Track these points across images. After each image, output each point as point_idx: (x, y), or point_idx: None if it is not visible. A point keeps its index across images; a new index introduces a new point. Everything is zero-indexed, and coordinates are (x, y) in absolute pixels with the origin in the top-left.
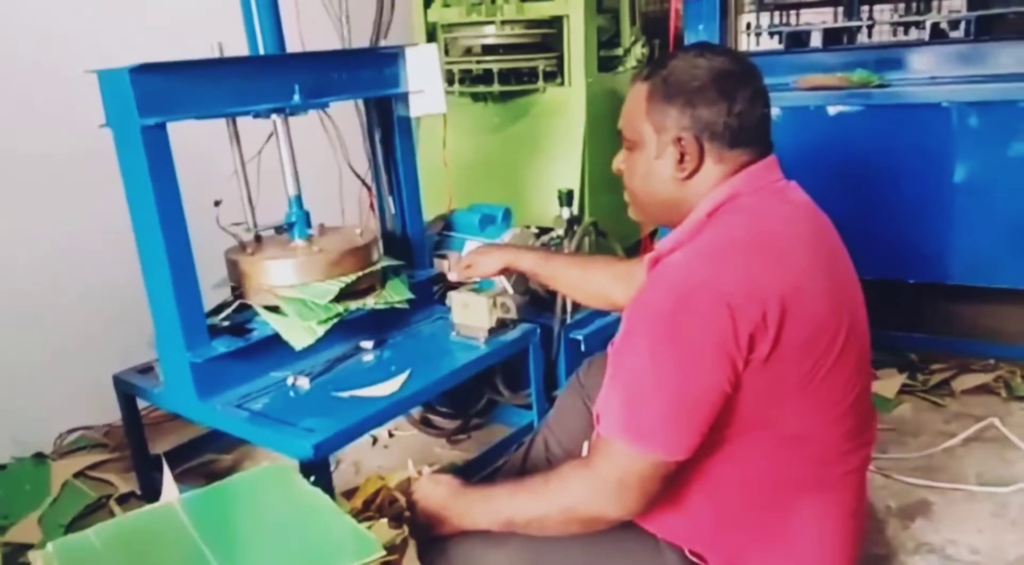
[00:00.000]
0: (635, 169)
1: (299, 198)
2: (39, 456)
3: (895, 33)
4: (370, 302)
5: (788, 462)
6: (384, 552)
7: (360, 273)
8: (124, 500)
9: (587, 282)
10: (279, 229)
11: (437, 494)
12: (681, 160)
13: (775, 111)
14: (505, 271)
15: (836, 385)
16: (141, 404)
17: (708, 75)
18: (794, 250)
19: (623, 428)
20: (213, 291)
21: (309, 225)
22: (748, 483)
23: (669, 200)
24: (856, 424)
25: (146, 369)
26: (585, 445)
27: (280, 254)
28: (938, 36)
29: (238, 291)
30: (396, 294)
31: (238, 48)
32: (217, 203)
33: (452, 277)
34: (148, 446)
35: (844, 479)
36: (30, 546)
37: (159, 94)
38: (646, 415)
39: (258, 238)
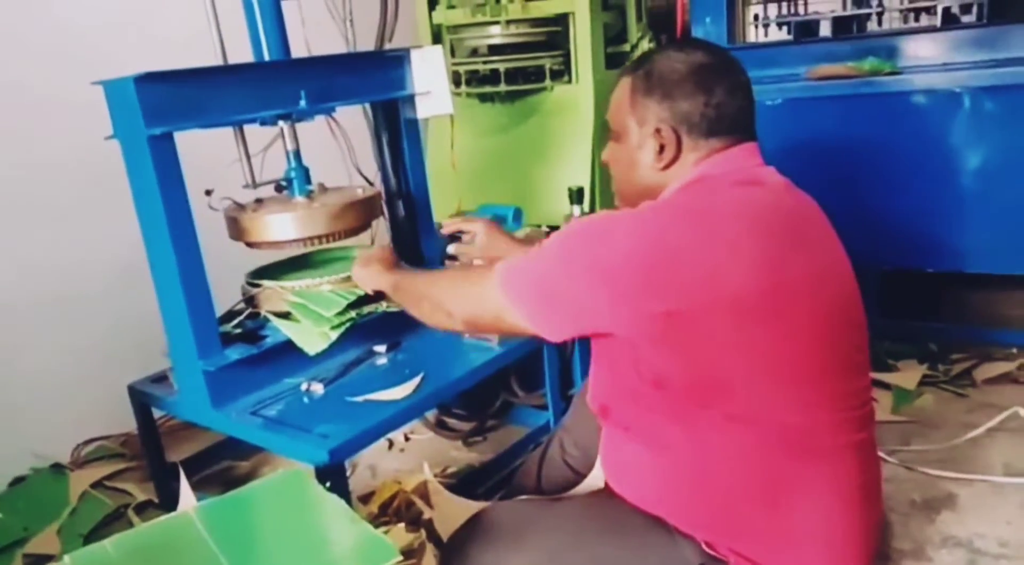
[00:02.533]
0: (620, 159)
1: (297, 153)
2: (57, 467)
3: (905, 20)
4: (383, 305)
5: (764, 437)
6: (401, 557)
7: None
8: (142, 509)
9: None
10: (279, 188)
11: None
12: (661, 150)
13: (785, 102)
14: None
15: (788, 359)
16: (157, 413)
17: (686, 69)
18: (728, 226)
19: (506, 267)
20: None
21: (309, 181)
22: (732, 462)
23: (649, 188)
24: (832, 398)
25: (160, 378)
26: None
27: (280, 209)
28: (950, 21)
29: (250, 298)
30: None
31: (243, 55)
32: (208, 192)
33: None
34: (165, 455)
35: (839, 453)
36: (50, 557)
37: (165, 103)
38: (527, 275)
39: (258, 201)
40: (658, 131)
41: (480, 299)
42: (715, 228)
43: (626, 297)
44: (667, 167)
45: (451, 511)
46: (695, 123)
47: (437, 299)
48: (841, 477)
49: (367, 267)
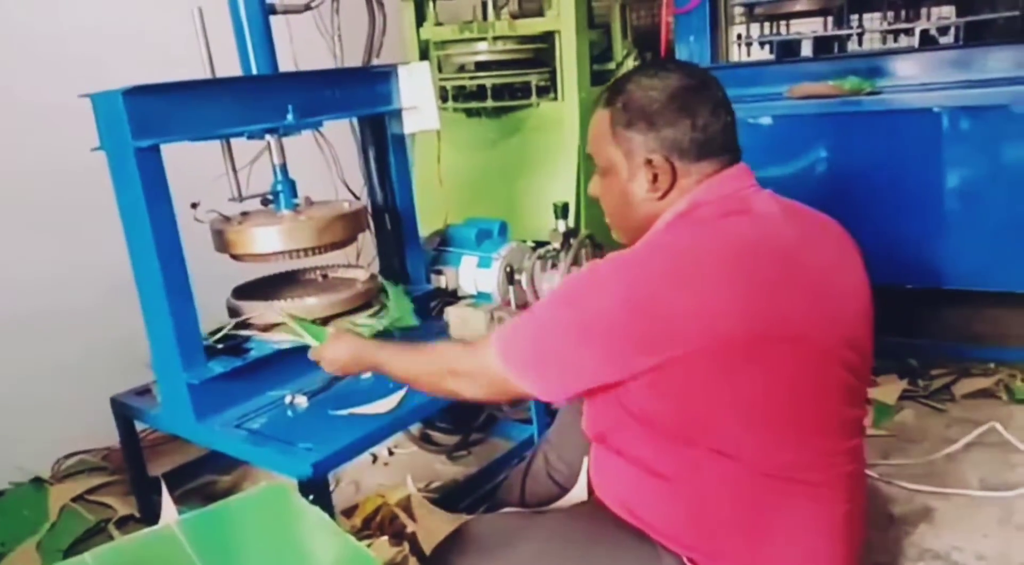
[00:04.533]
0: (611, 193)
1: (284, 167)
2: (38, 481)
3: (885, 40)
4: (376, 323)
5: (751, 471)
6: None
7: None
8: (123, 523)
9: None
10: (265, 201)
11: (343, 350)
12: (655, 180)
13: (767, 120)
14: None
15: (769, 403)
16: (139, 426)
17: (664, 95)
18: (712, 269)
19: (500, 336)
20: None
21: (295, 195)
22: (719, 492)
23: (647, 218)
24: (820, 435)
25: (143, 391)
26: (585, 460)
27: (266, 222)
28: (928, 42)
29: (235, 313)
30: (400, 312)
31: (231, 68)
32: (194, 205)
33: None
34: (147, 468)
35: (827, 485)
36: None
37: (152, 116)
38: (520, 341)
39: (244, 214)
40: (649, 162)
41: (483, 375)
42: (698, 273)
43: (614, 354)
44: (664, 196)
45: (434, 525)
46: (685, 148)
47: (438, 382)
48: (829, 507)
49: (338, 345)
